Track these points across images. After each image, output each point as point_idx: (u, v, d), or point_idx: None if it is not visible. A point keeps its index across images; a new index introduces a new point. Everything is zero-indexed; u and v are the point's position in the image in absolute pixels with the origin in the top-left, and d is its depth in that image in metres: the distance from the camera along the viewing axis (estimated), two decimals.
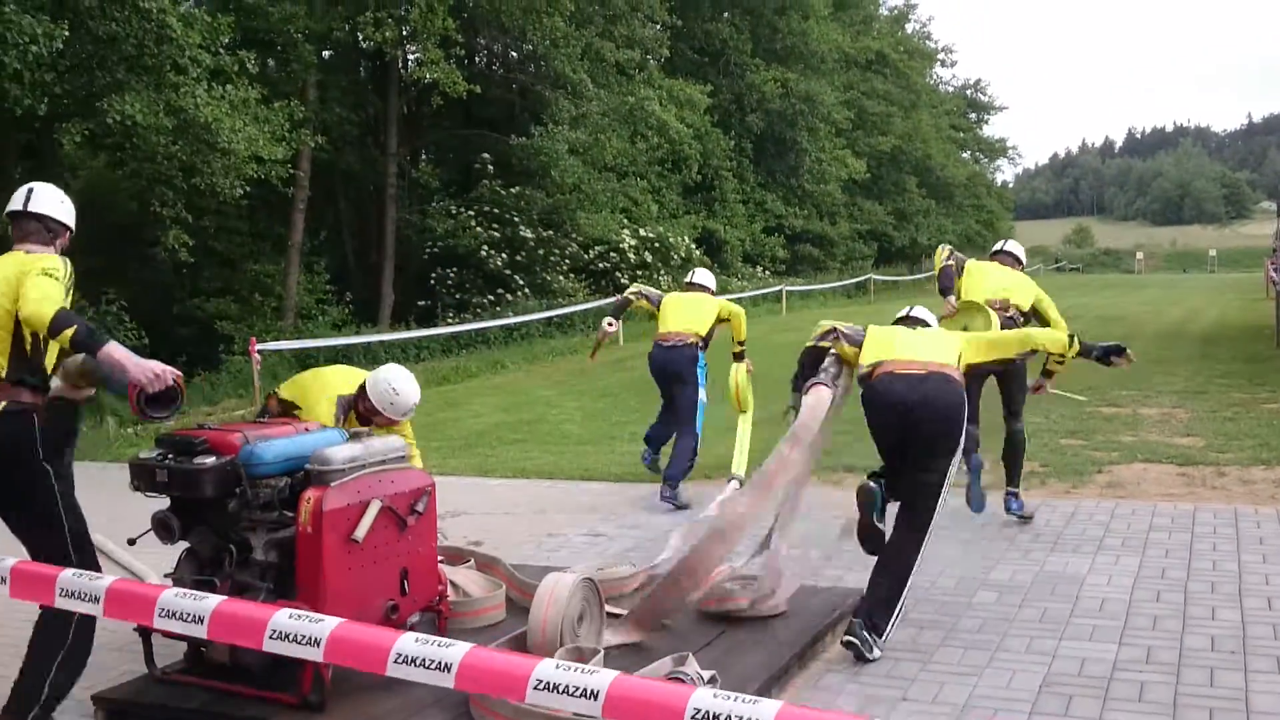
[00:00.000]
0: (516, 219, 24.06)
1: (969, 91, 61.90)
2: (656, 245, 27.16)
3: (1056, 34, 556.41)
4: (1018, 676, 4.32)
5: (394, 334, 19.40)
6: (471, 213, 23.99)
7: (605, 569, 5.27)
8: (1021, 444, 6.74)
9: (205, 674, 4.09)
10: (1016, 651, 4.59)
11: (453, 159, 27.33)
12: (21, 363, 3.79)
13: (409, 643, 2.67)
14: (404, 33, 21.09)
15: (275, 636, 2.82)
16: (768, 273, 33.97)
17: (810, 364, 5.11)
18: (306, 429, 4.36)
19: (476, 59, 27.12)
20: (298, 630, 2.80)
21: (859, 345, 4.95)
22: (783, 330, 21.71)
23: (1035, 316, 6.71)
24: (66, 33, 13.05)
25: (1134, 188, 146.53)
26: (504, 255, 23.69)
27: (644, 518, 7.27)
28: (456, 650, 2.61)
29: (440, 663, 2.61)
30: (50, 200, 4.07)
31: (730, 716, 2.25)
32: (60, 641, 3.95)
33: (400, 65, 23.83)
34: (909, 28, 54.56)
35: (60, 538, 3.91)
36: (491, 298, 23.22)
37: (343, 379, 5.03)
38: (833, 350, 5.03)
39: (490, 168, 24.51)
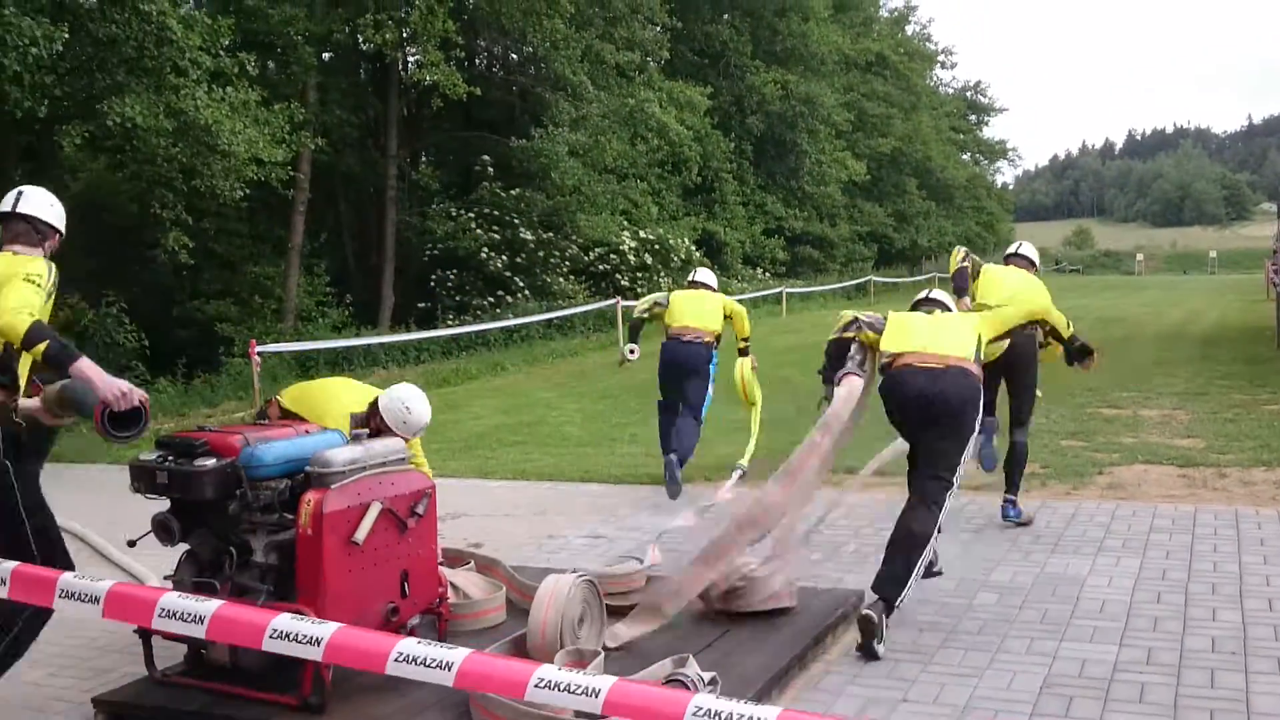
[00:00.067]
0: (516, 221, 24.07)
1: (969, 93, 61.97)
2: (656, 247, 27.17)
3: (1056, 35, 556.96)
4: (1018, 678, 4.31)
5: (394, 336, 19.40)
6: (471, 215, 24.00)
7: (611, 566, 5.28)
8: (1024, 455, 6.76)
9: (205, 676, 4.09)
10: (1017, 653, 4.59)
11: (453, 161, 27.34)
12: None
13: (410, 645, 2.67)
14: (404, 35, 21.10)
15: (275, 637, 2.82)
16: (768, 274, 33.98)
17: (836, 355, 5.28)
18: (307, 431, 4.36)
19: (477, 61, 27.14)
20: (298, 631, 2.80)
21: (881, 332, 5.12)
22: (783, 332, 21.74)
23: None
24: (66, 35, 13.05)
25: (1134, 189, 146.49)
26: (504, 257, 23.70)
27: (644, 519, 7.27)
28: (457, 654, 2.61)
29: (441, 662, 2.61)
30: (40, 203, 4.09)
31: (731, 716, 2.26)
32: (3, 634, 3.94)
33: (400, 67, 23.84)
34: (909, 29, 54.67)
35: (21, 532, 3.89)
36: (491, 299, 23.23)
37: (353, 394, 4.97)
38: (857, 339, 5.20)
39: (490, 170, 24.52)
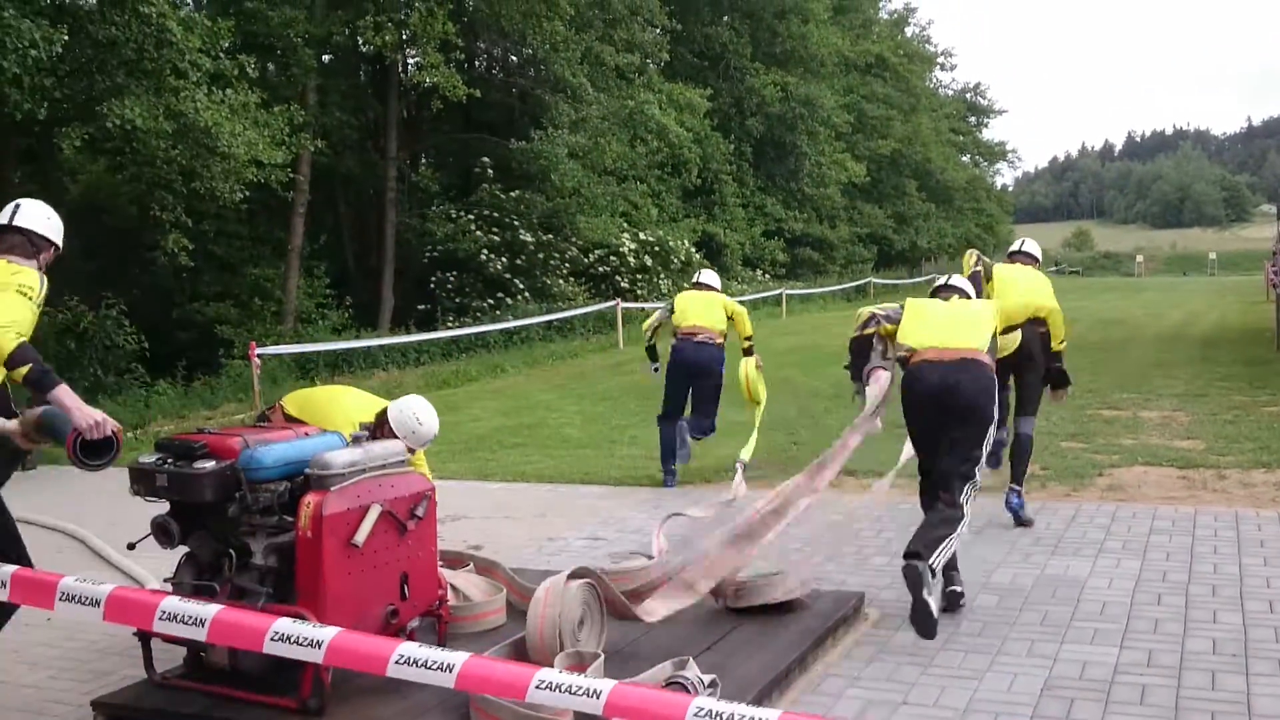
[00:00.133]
0: (516, 223, 24.08)
1: (968, 95, 62.00)
2: (656, 249, 27.18)
3: (1056, 37, 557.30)
4: (1019, 680, 4.31)
5: (394, 338, 19.40)
6: (471, 216, 24.01)
7: (619, 563, 5.29)
8: (1029, 447, 6.79)
9: (205, 679, 4.09)
10: (1017, 655, 4.58)
11: (452, 163, 27.35)
12: None
13: (411, 648, 2.67)
14: (404, 37, 21.11)
15: (276, 640, 2.82)
16: (767, 276, 33.99)
17: (860, 352, 5.48)
18: (306, 434, 4.35)
19: (476, 63, 27.15)
20: (299, 635, 2.80)
21: (899, 323, 5.31)
22: (783, 334, 21.76)
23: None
24: (66, 37, 13.05)
25: (1134, 191, 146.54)
26: (504, 259, 23.71)
27: (644, 521, 7.26)
28: (457, 657, 2.61)
29: (442, 664, 2.60)
30: (36, 216, 4.15)
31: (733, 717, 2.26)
32: None
33: (400, 69, 23.86)
34: (908, 31, 54.72)
35: None
36: (491, 301, 23.23)
37: (358, 402, 4.97)
38: (877, 334, 5.39)
39: (490, 171, 24.54)
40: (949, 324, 5.20)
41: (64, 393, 3.71)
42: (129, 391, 16.05)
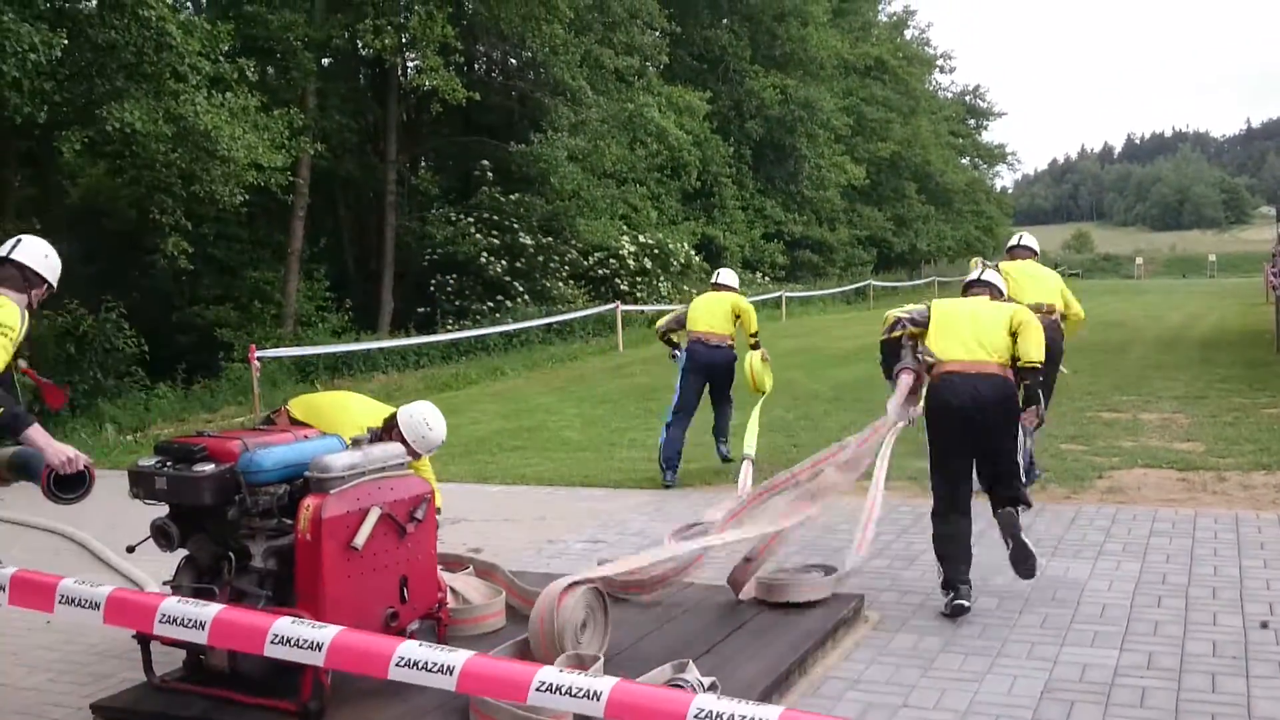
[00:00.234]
0: (516, 226, 24.08)
1: (968, 97, 61.99)
2: (656, 252, 27.18)
3: (1055, 40, 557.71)
4: (1019, 682, 4.30)
5: (394, 341, 19.39)
6: (471, 219, 24.01)
7: (626, 560, 5.34)
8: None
9: (204, 682, 4.09)
10: (1018, 657, 4.58)
11: (452, 166, 27.35)
12: None
13: (411, 649, 2.67)
14: (403, 40, 21.11)
15: (276, 642, 2.82)
16: (767, 279, 33.99)
17: (890, 353, 5.70)
18: (306, 436, 4.35)
19: (476, 66, 27.17)
20: (299, 636, 2.80)
21: (924, 324, 5.49)
22: (783, 336, 21.73)
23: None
24: (65, 41, 13.06)
25: (1133, 193, 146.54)
26: (503, 262, 23.71)
27: (644, 524, 7.26)
28: (458, 658, 2.61)
29: (443, 666, 2.60)
30: (33, 253, 4.24)
31: (733, 717, 2.25)
32: None
33: (400, 72, 23.86)
34: (908, 34, 54.73)
35: None
36: (491, 304, 23.23)
37: (366, 409, 4.99)
38: (904, 336, 5.59)
39: (490, 174, 24.54)
40: (973, 334, 5.33)
41: (36, 432, 3.89)
42: (129, 394, 16.05)
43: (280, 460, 4.08)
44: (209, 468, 3.99)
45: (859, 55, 43.08)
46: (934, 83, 57.60)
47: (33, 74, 12.96)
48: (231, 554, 4.08)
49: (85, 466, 3.99)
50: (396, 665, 2.66)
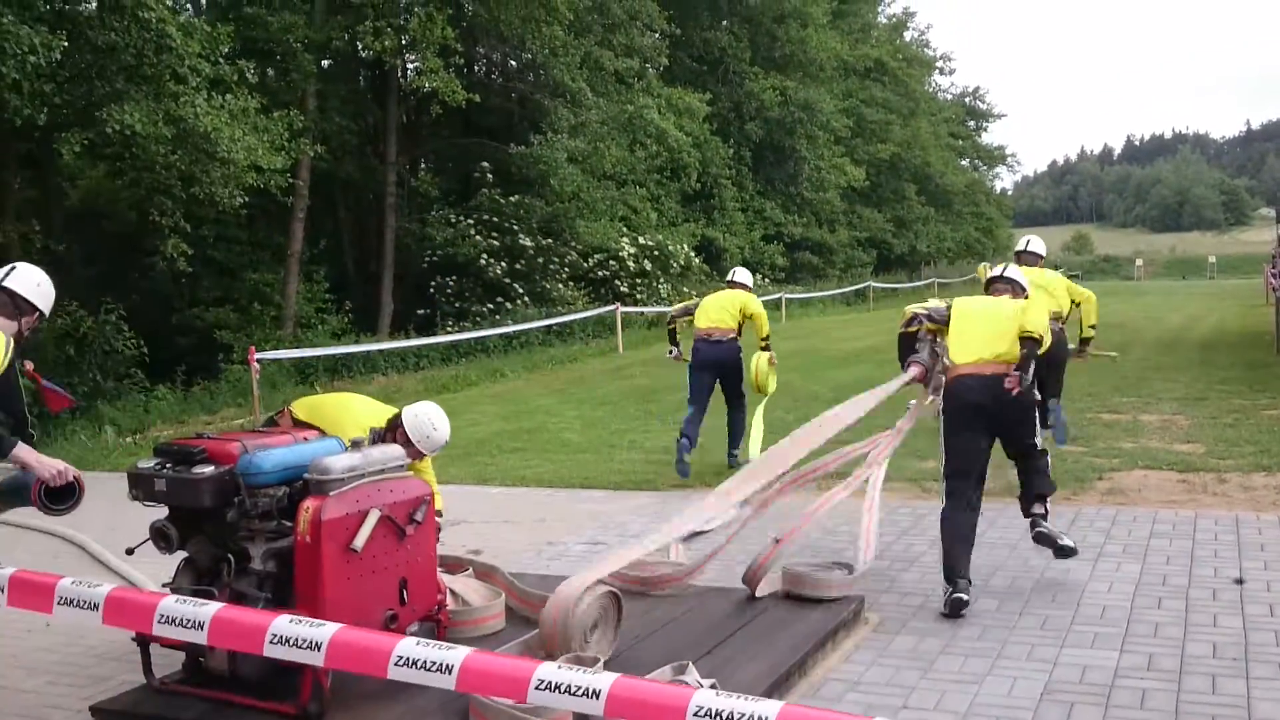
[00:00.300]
0: (516, 227, 24.08)
1: (967, 99, 62.00)
2: (656, 253, 27.17)
3: (1054, 41, 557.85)
4: (1019, 684, 4.30)
5: (393, 342, 19.39)
6: (471, 221, 24.01)
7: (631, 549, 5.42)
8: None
9: (204, 684, 4.08)
10: (1017, 659, 4.58)
11: (452, 168, 27.36)
12: None
13: (410, 648, 2.66)
14: (403, 42, 21.12)
15: (275, 642, 2.81)
16: (767, 280, 33.97)
17: (906, 347, 5.91)
18: (305, 438, 4.35)
19: (475, 68, 27.18)
20: (298, 635, 2.79)
21: (944, 322, 5.66)
22: (782, 338, 21.70)
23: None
24: (65, 43, 13.07)
25: (1133, 195, 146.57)
26: (503, 264, 23.71)
27: (644, 526, 7.26)
28: (457, 655, 2.60)
29: (442, 665, 2.60)
30: (26, 281, 4.33)
31: (732, 714, 2.25)
32: None
33: (399, 74, 23.87)
34: (907, 35, 54.75)
35: None
36: (491, 306, 23.23)
37: (369, 410, 5.00)
38: (921, 331, 5.79)
39: (489, 176, 24.54)
40: (989, 335, 5.47)
41: (23, 451, 4.01)
42: (128, 396, 16.05)
43: (279, 462, 4.08)
44: (208, 470, 3.99)
45: (859, 57, 43.09)
46: (933, 84, 57.64)
47: (33, 76, 12.98)
48: (231, 556, 4.08)
49: (74, 478, 4.11)
50: (395, 664, 2.65)
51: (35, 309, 4.33)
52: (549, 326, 22.42)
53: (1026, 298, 5.89)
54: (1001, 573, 5.82)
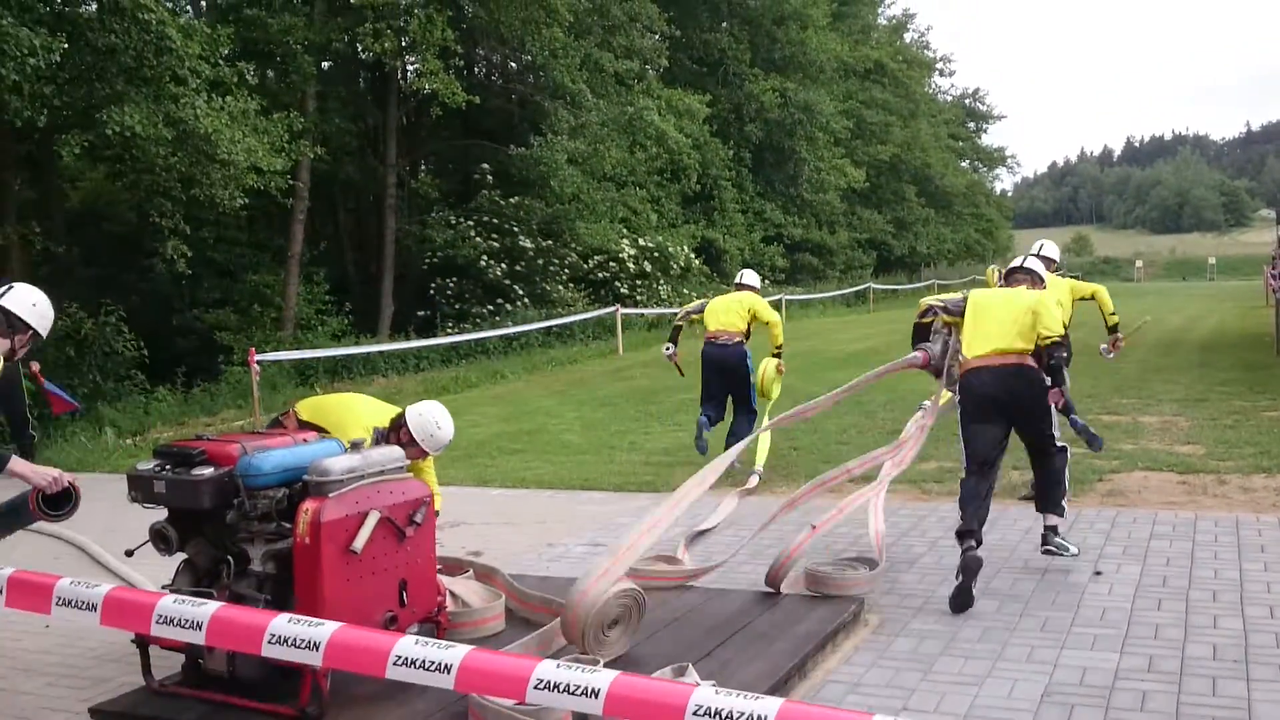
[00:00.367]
0: (516, 229, 24.08)
1: (967, 100, 62.05)
2: (656, 255, 27.17)
3: (1054, 43, 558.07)
4: (1019, 686, 4.30)
5: (393, 344, 19.38)
6: (471, 223, 24.01)
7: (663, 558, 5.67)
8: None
9: (203, 686, 4.08)
10: (1017, 661, 4.57)
11: (452, 169, 27.36)
12: None
13: (409, 647, 2.66)
14: (403, 44, 21.11)
15: (274, 641, 2.81)
16: (767, 282, 33.87)
17: (920, 336, 6.09)
18: (305, 440, 4.35)
19: (475, 70, 27.18)
20: (296, 635, 2.79)
21: (959, 313, 5.80)
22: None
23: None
24: (65, 45, 13.06)
25: (1133, 196, 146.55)
26: (503, 265, 23.70)
27: None
28: (455, 654, 2.60)
29: (440, 665, 2.59)
30: (21, 300, 4.39)
31: (731, 713, 2.25)
32: None
33: (399, 76, 23.86)
34: (907, 37, 54.77)
35: None
36: (491, 308, 23.22)
37: (373, 409, 5.02)
38: (936, 324, 5.96)
39: (489, 178, 24.54)
40: (1002, 325, 5.61)
41: (17, 464, 4.10)
42: (128, 398, 16.04)
43: (279, 464, 4.08)
44: (208, 471, 3.99)
45: (858, 58, 43.09)
46: (933, 86, 57.67)
47: (32, 78, 12.98)
48: (230, 558, 4.08)
49: (70, 483, 4.19)
50: (394, 664, 2.65)
51: (29, 327, 4.40)
52: (549, 328, 22.41)
53: (1044, 288, 6.03)
54: (1002, 574, 5.81)
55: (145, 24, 13.88)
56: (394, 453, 4.34)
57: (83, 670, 4.81)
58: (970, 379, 5.63)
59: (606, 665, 4.20)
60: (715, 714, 2.27)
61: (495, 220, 24.09)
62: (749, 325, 8.99)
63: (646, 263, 26.77)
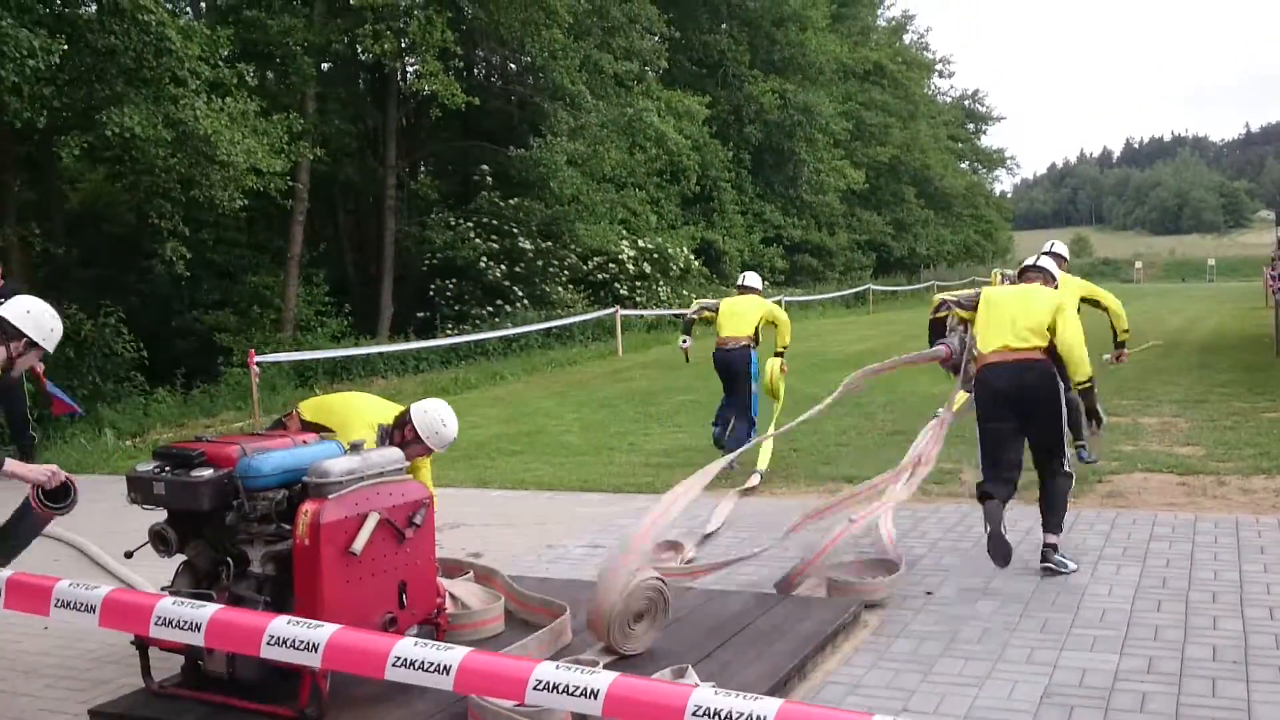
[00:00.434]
0: (515, 230, 24.08)
1: (967, 102, 62.06)
2: (655, 256, 27.18)
3: (1054, 44, 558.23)
4: (1019, 687, 4.30)
5: (393, 345, 19.38)
6: (470, 224, 24.01)
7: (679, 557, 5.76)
8: (1077, 407, 6.93)
9: (202, 687, 4.08)
10: (1017, 662, 4.57)
11: (452, 171, 27.36)
12: None
13: (408, 648, 2.66)
14: (403, 45, 21.12)
15: (273, 643, 2.81)
16: (766, 283, 33.88)
17: (935, 332, 6.19)
18: (304, 441, 4.35)
19: (475, 71, 27.18)
20: (295, 636, 2.79)
21: (973, 309, 5.87)
22: None
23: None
24: (65, 46, 13.06)
25: (1132, 197, 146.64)
26: (503, 266, 23.71)
27: None
28: (454, 655, 2.60)
29: (439, 665, 2.59)
30: (18, 310, 4.45)
31: (731, 713, 2.25)
32: None
33: (399, 77, 23.87)
34: (907, 38, 54.79)
35: None
36: (490, 309, 23.22)
37: (376, 408, 5.03)
38: (951, 320, 6.05)
39: (489, 179, 24.54)
40: (1017, 322, 5.66)
41: (12, 465, 4.17)
42: (128, 399, 16.04)
43: (278, 465, 4.07)
44: (207, 473, 3.99)
45: (858, 60, 43.11)
46: (933, 87, 57.69)
47: (32, 79, 12.97)
48: (229, 559, 4.08)
49: (66, 479, 4.28)
50: (393, 665, 2.65)
51: (23, 335, 4.42)
52: (548, 329, 22.41)
53: (1056, 286, 6.05)
54: (1001, 575, 5.81)
55: (145, 25, 13.88)
56: (393, 454, 4.34)
57: (82, 672, 4.81)
58: (985, 374, 5.70)
59: (606, 667, 4.21)
60: (715, 715, 2.27)
61: (495, 222, 24.09)
62: (758, 328, 9.13)
63: (646, 264, 26.78)
